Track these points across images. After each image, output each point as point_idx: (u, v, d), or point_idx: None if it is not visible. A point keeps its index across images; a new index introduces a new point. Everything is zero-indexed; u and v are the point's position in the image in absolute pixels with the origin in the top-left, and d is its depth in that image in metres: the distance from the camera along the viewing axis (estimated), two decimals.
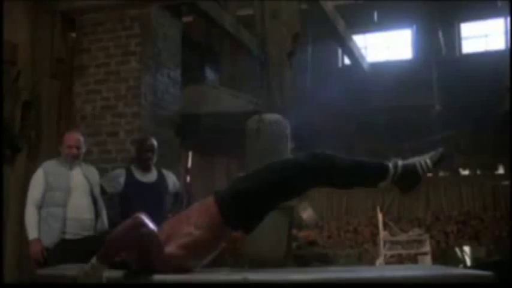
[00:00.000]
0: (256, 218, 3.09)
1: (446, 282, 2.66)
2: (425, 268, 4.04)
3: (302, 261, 7.84)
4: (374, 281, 2.68)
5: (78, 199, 4.89)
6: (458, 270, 3.43)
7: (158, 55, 6.85)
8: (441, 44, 12.71)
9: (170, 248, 2.89)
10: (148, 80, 6.68)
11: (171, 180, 5.33)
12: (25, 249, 4.88)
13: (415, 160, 3.19)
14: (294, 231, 8.21)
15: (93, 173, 5.17)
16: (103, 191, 5.13)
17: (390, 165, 3.14)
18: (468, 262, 11.20)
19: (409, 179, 3.17)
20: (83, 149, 5.08)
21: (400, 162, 3.16)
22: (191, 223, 3.00)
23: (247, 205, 3.03)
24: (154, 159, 5.21)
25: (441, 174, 12.96)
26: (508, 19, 11.85)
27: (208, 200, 3.10)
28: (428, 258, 10.32)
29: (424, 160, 3.19)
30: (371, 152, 12.27)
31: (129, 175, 5.13)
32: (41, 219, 4.77)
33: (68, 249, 4.65)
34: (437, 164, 3.21)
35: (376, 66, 13.13)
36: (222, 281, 2.79)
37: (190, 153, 10.96)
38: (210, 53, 10.63)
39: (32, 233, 4.74)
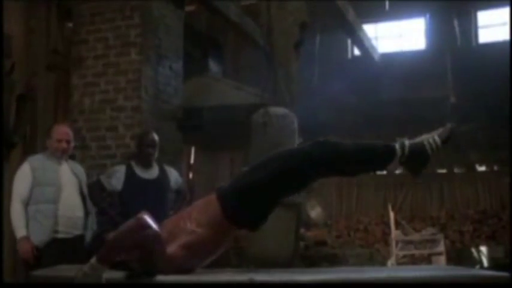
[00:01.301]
0: (262, 215, 3.08)
1: (461, 283, 2.67)
2: (439, 269, 4.05)
3: (310, 262, 7.88)
4: (384, 282, 2.69)
5: (69, 196, 4.85)
6: (474, 271, 3.44)
7: (159, 46, 6.86)
8: (456, 33, 12.69)
9: (172, 248, 2.90)
10: (149, 72, 6.69)
11: (173, 176, 5.34)
12: None
13: (423, 138, 3.15)
14: (302, 231, 8.24)
15: (79, 169, 5.14)
16: (102, 188, 5.14)
17: (397, 146, 3.12)
18: (485, 263, 11.19)
19: (417, 159, 3.13)
20: (72, 144, 5.06)
21: (407, 142, 3.13)
22: (193, 221, 3.00)
23: (252, 201, 3.02)
24: (156, 154, 5.21)
25: (456, 170, 12.95)
26: None
27: (210, 197, 3.09)
28: (442, 259, 10.31)
29: (432, 138, 3.15)
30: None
31: (130, 171, 5.12)
32: (29, 216, 4.70)
33: (60, 248, 4.63)
34: (446, 141, 3.16)
35: (387, 57, 13.12)
36: (227, 281, 2.81)
37: (193, 149, 10.99)
38: (213, 43, 10.64)
39: (20, 231, 4.67)
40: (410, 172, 3.20)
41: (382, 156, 3.14)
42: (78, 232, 4.87)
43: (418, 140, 3.16)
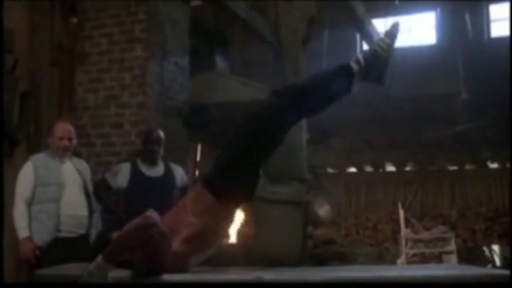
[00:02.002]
0: (252, 183, 3.14)
1: (471, 283, 2.67)
2: (449, 268, 4.05)
3: (318, 260, 7.88)
4: (393, 281, 2.70)
5: (72, 194, 4.84)
6: (485, 270, 3.44)
7: (165, 42, 6.86)
8: (468, 27, 12.64)
9: (176, 245, 2.94)
10: (155, 68, 6.70)
11: (179, 174, 5.35)
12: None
13: (373, 45, 3.27)
14: (310, 229, 8.25)
15: (84, 167, 5.13)
16: (108, 186, 5.14)
17: (352, 63, 3.20)
18: (497, 262, 11.17)
19: (376, 67, 3.22)
20: (75, 141, 5.05)
21: (360, 55, 3.23)
22: (189, 213, 3.06)
23: (237, 175, 3.08)
24: (161, 152, 5.23)
25: (467, 167, 12.92)
26: None
27: (197, 186, 3.19)
28: (453, 258, 10.31)
29: (381, 40, 3.26)
30: (391, 144, 12.25)
31: (135, 169, 5.14)
32: (31, 216, 4.70)
33: (62, 248, 4.63)
34: (394, 35, 3.27)
35: (397, 52, 13.04)
36: (234, 280, 2.82)
37: (199, 146, 10.99)
38: (220, 39, 10.63)
39: (23, 231, 4.66)
40: (375, 82, 3.27)
41: (343, 79, 3.22)
42: (82, 231, 4.87)
43: (368, 48, 3.30)
